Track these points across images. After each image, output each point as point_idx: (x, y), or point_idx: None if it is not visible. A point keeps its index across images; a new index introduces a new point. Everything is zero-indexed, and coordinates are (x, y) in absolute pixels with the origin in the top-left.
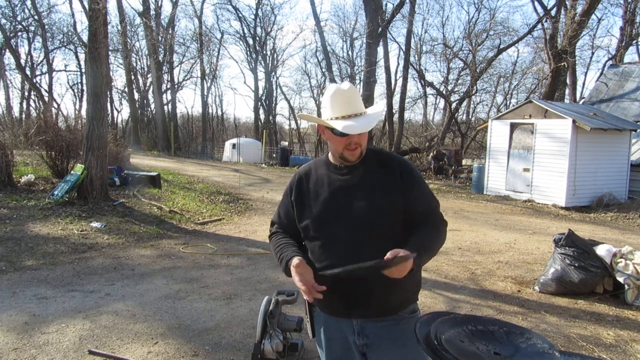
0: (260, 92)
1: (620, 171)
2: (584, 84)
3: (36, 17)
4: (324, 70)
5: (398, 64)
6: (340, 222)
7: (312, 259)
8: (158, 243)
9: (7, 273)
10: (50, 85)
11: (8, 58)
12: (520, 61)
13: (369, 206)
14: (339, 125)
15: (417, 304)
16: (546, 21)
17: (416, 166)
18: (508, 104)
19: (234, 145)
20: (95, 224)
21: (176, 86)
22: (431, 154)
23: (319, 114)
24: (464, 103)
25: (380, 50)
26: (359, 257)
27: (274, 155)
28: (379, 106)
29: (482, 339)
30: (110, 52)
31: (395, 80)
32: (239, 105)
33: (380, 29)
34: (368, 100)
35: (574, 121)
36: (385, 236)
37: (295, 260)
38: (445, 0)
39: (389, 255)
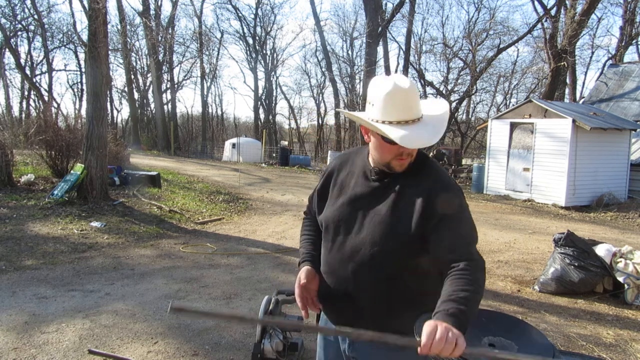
0: (260, 91)
1: (620, 171)
2: (583, 83)
3: (36, 16)
4: (323, 69)
5: (398, 63)
6: (349, 232)
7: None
8: (158, 243)
9: (7, 273)
10: (50, 85)
11: (8, 57)
12: (520, 61)
13: (383, 223)
14: (396, 135)
15: None
16: (546, 21)
17: (460, 189)
18: (508, 104)
19: (233, 145)
20: (95, 224)
21: (176, 86)
22: (431, 153)
23: (351, 108)
24: (464, 103)
25: (380, 49)
26: (356, 274)
27: (274, 155)
28: (440, 106)
29: (485, 333)
30: (110, 52)
31: None
32: (238, 105)
33: (380, 28)
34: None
35: (573, 121)
36: (393, 260)
37: (302, 272)
38: None
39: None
